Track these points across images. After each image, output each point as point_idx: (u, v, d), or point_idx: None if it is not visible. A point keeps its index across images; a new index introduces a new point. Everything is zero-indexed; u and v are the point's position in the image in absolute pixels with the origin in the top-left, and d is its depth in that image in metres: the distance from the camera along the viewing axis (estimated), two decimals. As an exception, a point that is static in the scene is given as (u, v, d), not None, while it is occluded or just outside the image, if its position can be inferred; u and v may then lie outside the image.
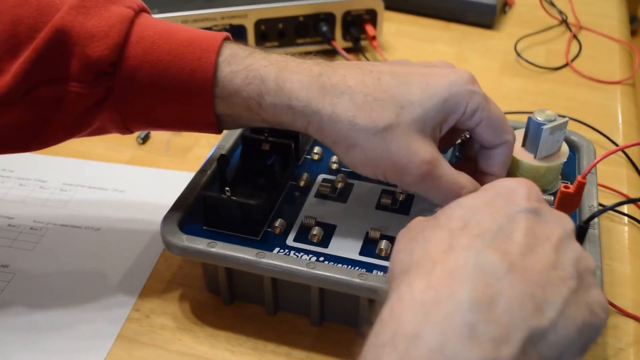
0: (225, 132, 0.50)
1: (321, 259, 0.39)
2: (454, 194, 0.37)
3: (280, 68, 0.38)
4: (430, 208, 0.37)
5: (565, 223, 0.30)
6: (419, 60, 0.41)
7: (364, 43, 0.73)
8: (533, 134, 0.43)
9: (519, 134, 0.45)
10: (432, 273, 0.27)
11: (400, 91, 0.37)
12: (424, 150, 0.37)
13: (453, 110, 0.37)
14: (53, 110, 0.38)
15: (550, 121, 0.42)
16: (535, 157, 0.43)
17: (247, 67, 0.38)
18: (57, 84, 0.37)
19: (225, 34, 0.39)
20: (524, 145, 0.44)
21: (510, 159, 0.41)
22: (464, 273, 0.26)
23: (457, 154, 0.47)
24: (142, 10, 0.39)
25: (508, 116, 0.62)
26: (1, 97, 0.36)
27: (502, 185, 0.31)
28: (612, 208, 0.36)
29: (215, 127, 0.40)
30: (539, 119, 0.43)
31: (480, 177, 0.40)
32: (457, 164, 0.42)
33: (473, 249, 0.27)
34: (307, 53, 0.73)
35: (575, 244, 0.30)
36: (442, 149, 0.42)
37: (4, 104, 0.36)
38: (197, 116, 0.39)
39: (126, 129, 0.40)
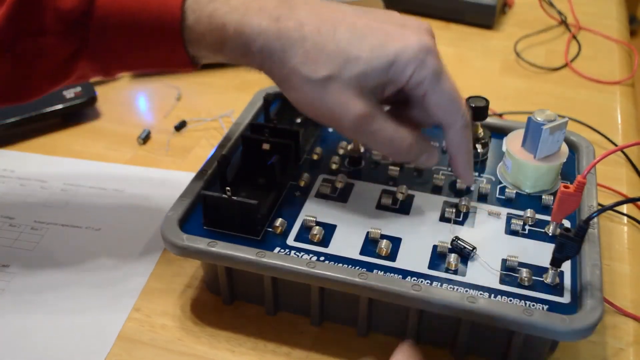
0: (225, 131, 0.50)
1: (321, 258, 0.39)
2: (395, 147, 0.40)
3: (241, 14, 0.38)
4: None
5: None
6: (405, 17, 0.42)
7: (363, 43, 0.73)
8: (533, 134, 0.43)
9: (519, 134, 0.45)
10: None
11: (351, 45, 0.38)
12: (358, 105, 0.38)
13: (396, 77, 0.38)
14: (34, 61, 0.39)
15: (550, 121, 0.42)
16: (535, 157, 0.43)
17: (210, 13, 0.38)
18: (34, 35, 0.38)
19: None
20: (523, 145, 0.44)
21: (467, 144, 0.41)
22: None
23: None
24: None
25: (508, 116, 0.63)
26: None
27: None
28: (612, 208, 0.36)
29: (191, 65, 0.41)
30: (539, 119, 0.43)
31: (451, 162, 0.43)
32: None
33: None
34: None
35: None
36: (387, 102, 0.42)
37: None
38: (170, 58, 0.41)
39: (106, 74, 0.42)
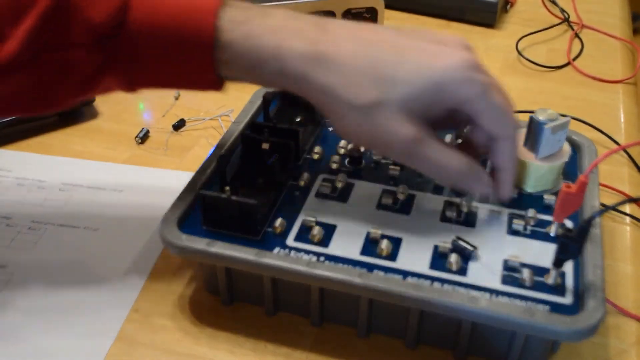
0: (225, 131, 0.50)
1: (321, 258, 0.39)
2: (447, 171, 0.38)
3: (277, 37, 0.37)
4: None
5: None
6: (439, 34, 0.40)
7: (364, 42, 0.73)
8: (535, 134, 0.43)
9: (521, 134, 0.44)
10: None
11: (393, 68, 0.37)
12: (407, 129, 0.37)
13: (445, 97, 0.37)
14: (59, 75, 0.38)
15: (552, 120, 0.42)
16: (537, 156, 0.43)
17: (246, 34, 0.37)
18: (61, 49, 0.37)
19: None
20: (525, 144, 0.44)
21: (516, 154, 0.40)
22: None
23: (458, 140, 0.47)
24: None
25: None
26: (7, 62, 0.36)
27: None
28: (614, 207, 0.35)
29: (220, 86, 0.40)
30: (541, 118, 0.42)
31: (495, 175, 0.41)
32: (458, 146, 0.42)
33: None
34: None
35: None
36: (441, 127, 0.41)
37: (10, 70, 0.36)
38: (200, 77, 0.39)
39: (131, 89, 0.41)
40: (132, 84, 0.40)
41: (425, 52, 0.37)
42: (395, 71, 0.37)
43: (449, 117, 0.39)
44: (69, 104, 0.41)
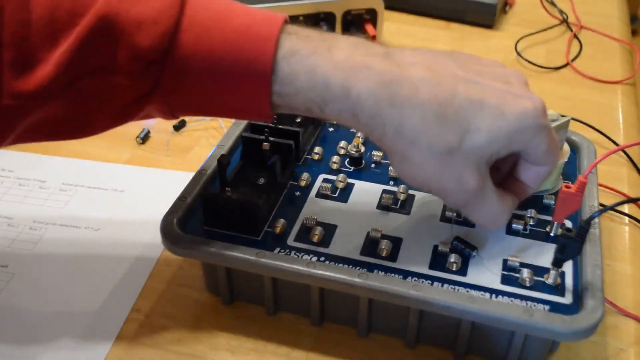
0: (225, 131, 0.50)
1: (322, 259, 0.39)
2: (497, 221, 0.38)
3: (346, 73, 0.34)
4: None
5: None
6: (492, 58, 0.39)
7: (364, 43, 0.73)
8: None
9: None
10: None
11: (471, 115, 0.34)
12: (475, 180, 0.35)
13: (517, 145, 0.36)
14: (97, 102, 0.35)
15: (553, 121, 0.42)
16: None
17: (310, 69, 0.34)
18: (102, 75, 0.34)
19: (283, 16, 0.36)
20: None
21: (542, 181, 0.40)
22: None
23: None
24: None
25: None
26: (41, 89, 0.33)
27: None
28: (613, 208, 0.36)
29: (270, 117, 0.37)
30: (540, 118, 0.42)
31: (512, 183, 0.39)
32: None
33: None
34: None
35: None
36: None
37: (44, 96, 0.33)
38: (250, 108, 0.36)
39: (172, 116, 0.38)
40: (174, 112, 0.37)
41: (501, 97, 0.35)
42: (472, 118, 0.34)
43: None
44: (104, 130, 0.38)
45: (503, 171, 0.40)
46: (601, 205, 0.43)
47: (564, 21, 0.81)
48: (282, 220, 0.41)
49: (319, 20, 0.70)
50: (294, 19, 0.69)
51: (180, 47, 0.34)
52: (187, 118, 0.62)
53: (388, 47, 0.37)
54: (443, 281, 0.38)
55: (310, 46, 0.35)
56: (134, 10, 0.33)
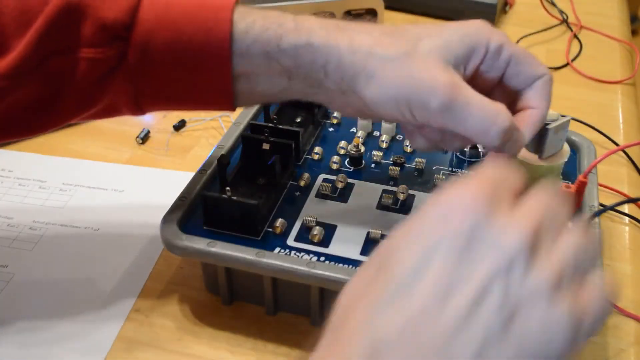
0: (225, 131, 0.50)
1: (322, 258, 0.39)
2: (489, 121, 0.34)
3: (297, 17, 0.37)
4: None
5: (507, 247, 0.24)
6: None
7: (364, 42, 0.73)
8: (537, 134, 0.43)
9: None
10: (337, 338, 0.25)
11: (418, 30, 0.37)
12: (446, 74, 0.35)
13: (474, 45, 0.37)
14: (63, 82, 0.37)
15: (553, 120, 0.42)
16: (541, 156, 0.43)
17: (264, 16, 0.37)
18: (69, 53, 0.36)
19: None
20: (527, 145, 0.44)
21: (551, 93, 0.38)
22: (359, 338, 0.24)
23: (458, 154, 0.47)
24: None
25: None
26: (13, 69, 0.35)
27: (443, 199, 0.26)
28: (613, 208, 0.36)
29: (230, 95, 0.38)
30: (541, 118, 0.42)
31: (522, 114, 0.38)
32: None
33: (372, 306, 0.25)
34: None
35: (515, 276, 0.24)
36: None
37: (15, 77, 0.35)
38: (213, 81, 0.38)
39: (138, 106, 0.39)
40: (139, 98, 0.38)
41: (440, 24, 0.38)
42: (421, 30, 0.37)
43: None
44: (69, 118, 0.39)
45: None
46: (601, 205, 0.43)
47: (564, 21, 0.81)
48: (282, 220, 0.41)
49: (319, 20, 0.70)
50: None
51: (142, 22, 0.36)
52: (187, 118, 0.62)
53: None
54: (443, 281, 0.38)
55: (264, 10, 0.38)
56: None
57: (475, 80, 0.37)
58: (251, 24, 0.37)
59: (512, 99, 0.38)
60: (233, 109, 0.39)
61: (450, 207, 0.25)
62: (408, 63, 0.35)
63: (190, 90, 0.39)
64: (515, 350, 0.23)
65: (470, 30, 0.37)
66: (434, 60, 0.35)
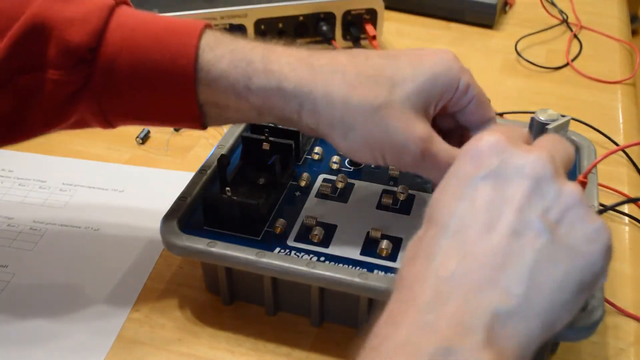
0: (225, 131, 0.50)
1: (322, 258, 0.39)
2: None
3: (266, 50, 0.37)
4: None
5: (533, 167, 0.28)
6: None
7: (364, 43, 0.73)
8: (537, 134, 0.43)
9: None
10: (400, 288, 0.28)
11: (391, 69, 0.37)
12: (420, 127, 0.36)
13: (446, 87, 0.37)
14: (31, 99, 0.37)
15: (553, 120, 0.42)
16: None
17: (232, 50, 0.37)
18: (35, 71, 0.36)
19: (207, 22, 0.38)
20: (525, 145, 0.44)
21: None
22: (422, 280, 0.27)
23: None
24: (123, 2, 0.39)
25: (509, 116, 0.63)
26: None
27: (465, 152, 0.30)
28: (613, 208, 0.36)
29: (199, 118, 0.38)
30: (542, 118, 0.42)
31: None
32: None
33: (429, 255, 0.28)
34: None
35: (548, 187, 0.28)
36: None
37: None
38: (179, 105, 0.38)
39: (107, 122, 0.39)
40: (108, 116, 0.38)
41: (413, 54, 0.38)
42: (393, 72, 0.37)
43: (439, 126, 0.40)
44: (37, 133, 0.39)
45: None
46: (601, 205, 0.43)
47: (564, 21, 0.81)
48: (282, 220, 0.41)
49: (319, 20, 0.70)
50: (294, 19, 0.69)
51: (108, 45, 0.36)
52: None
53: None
54: (443, 281, 0.38)
55: (232, 38, 0.38)
56: (66, 11, 0.36)
57: (438, 114, 0.39)
58: (219, 57, 0.36)
59: (455, 127, 0.40)
60: (204, 128, 0.39)
61: (474, 152, 0.29)
62: (384, 116, 0.36)
63: (157, 111, 0.39)
64: (566, 262, 0.26)
65: (442, 70, 0.37)
66: (408, 111, 0.36)
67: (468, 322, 0.25)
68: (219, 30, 0.39)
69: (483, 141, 0.29)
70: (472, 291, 0.26)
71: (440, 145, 0.37)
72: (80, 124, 0.40)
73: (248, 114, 0.38)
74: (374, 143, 0.37)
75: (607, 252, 0.28)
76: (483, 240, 0.27)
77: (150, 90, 0.37)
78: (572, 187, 0.28)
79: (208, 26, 0.38)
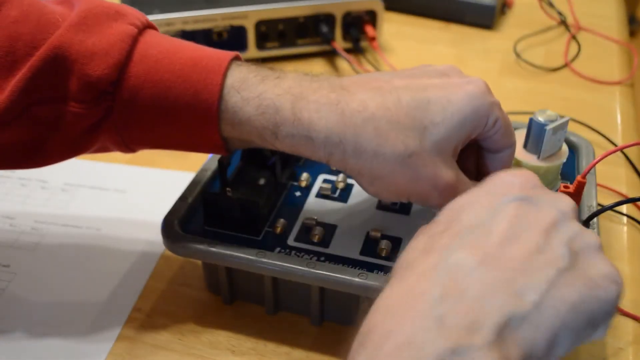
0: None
1: (322, 258, 0.40)
2: None
3: (295, 97, 0.35)
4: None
5: (561, 204, 0.29)
6: (424, 64, 0.40)
7: (364, 44, 0.73)
8: (535, 135, 0.43)
9: (520, 135, 0.45)
10: (407, 277, 0.27)
11: (422, 112, 0.35)
12: (448, 173, 0.36)
13: (476, 126, 0.36)
14: (50, 130, 0.36)
15: (552, 121, 0.42)
16: (538, 157, 0.43)
17: (260, 95, 0.35)
18: (55, 103, 0.36)
19: (234, 53, 0.37)
20: (525, 146, 0.44)
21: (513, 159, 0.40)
22: (435, 273, 0.26)
23: None
24: (148, 27, 0.38)
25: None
26: None
27: (497, 179, 0.31)
28: (611, 208, 0.36)
29: (223, 149, 0.38)
30: (541, 119, 0.43)
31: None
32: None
33: (447, 248, 0.27)
34: (307, 54, 0.73)
35: (574, 224, 0.29)
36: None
37: (0, 121, 0.35)
38: (201, 139, 0.37)
39: (128, 149, 0.39)
40: (129, 144, 0.38)
41: (442, 88, 0.36)
42: (426, 114, 0.35)
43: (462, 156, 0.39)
44: (59, 160, 0.39)
45: (471, 170, 0.40)
46: (600, 205, 0.43)
47: (563, 22, 0.81)
48: (282, 221, 0.42)
49: (319, 21, 0.70)
50: (294, 20, 0.70)
51: (130, 78, 0.35)
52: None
53: (332, 76, 0.38)
54: (442, 281, 0.38)
55: (260, 75, 0.36)
56: (88, 42, 0.35)
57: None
58: (245, 101, 0.35)
59: (475, 150, 0.40)
60: (228, 154, 0.39)
61: (509, 178, 0.30)
62: (414, 165, 0.35)
63: (179, 142, 0.39)
64: (583, 289, 0.27)
65: (472, 110, 0.36)
66: (437, 157, 0.35)
67: (480, 321, 0.24)
68: (247, 65, 0.37)
69: (522, 175, 0.31)
70: (488, 291, 0.25)
71: (466, 185, 0.37)
72: (101, 150, 0.39)
73: (275, 147, 0.37)
74: (401, 190, 0.36)
75: (620, 297, 0.28)
76: (506, 248, 0.27)
77: (172, 124, 0.37)
78: (593, 232, 0.29)
79: (236, 58, 0.37)
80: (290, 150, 0.36)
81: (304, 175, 0.46)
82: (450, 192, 0.36)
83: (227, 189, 0.41)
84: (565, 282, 0.26)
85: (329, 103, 0.35)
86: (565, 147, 0.45)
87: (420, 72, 0.38)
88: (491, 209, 0.29)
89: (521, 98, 0.68)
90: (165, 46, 0.37)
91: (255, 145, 0.38)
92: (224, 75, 0.36)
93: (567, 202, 0.30)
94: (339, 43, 0.72)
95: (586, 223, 0.40)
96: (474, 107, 0.36)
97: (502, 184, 0.30)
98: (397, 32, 0.80)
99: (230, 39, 0.68)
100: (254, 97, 0.35)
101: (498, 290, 0.25)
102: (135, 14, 0.37)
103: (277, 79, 0.36)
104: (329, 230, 0.42)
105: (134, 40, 0.36)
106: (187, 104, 0.36)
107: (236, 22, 0.68)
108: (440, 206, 0.36)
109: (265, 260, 0.39)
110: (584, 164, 0.47)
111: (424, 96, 0.36)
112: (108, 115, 0.36)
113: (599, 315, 0.27)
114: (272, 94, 0.35)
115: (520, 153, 0.44)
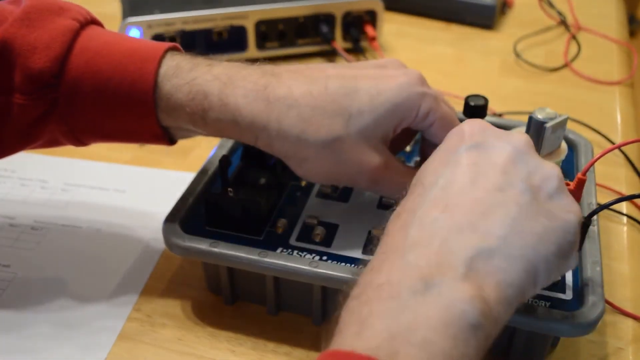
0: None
1: (324, 258, 0.40)
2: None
3: (223, 82, 0.37)
4: None
5: (515, 140, 0.31)
6: (374, 60, 0.41)
7: (364, 44, 0.73)
8: (535, 133, 0.43)
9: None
10: (382, 243, 0.30)
11: (349, 100, 0.37)
12: (373, 158, 0.37)
13: (405, 115, 0.37)
14: (1, 120, 0.37)
15: (551, 119, 0.42)
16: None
17: (190, 81, 0.37)
18: (2, 94, 0.37)
19: (171, 44, 0.39)
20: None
21: None
22: (404, 230, 0.29)
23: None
24: (92, 22, 0.39)
25: (507, 116, 0.63)
26: None
27: (448, 135, 0.33)
28: (612, 204, 0.36)
29: (164, 138, 0.39)
30: (540, 117, 0.43)
31: None
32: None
33: (412, 210, 0.30)
34: (307, 54, 0.73)
35: (530, 158, 0.31)
36: (398, 149, 0.43)
37: None
38: (142, 128, 0.39)
39: (78, 141, 0.40)
40: (76, 135, 0.39)
41: (374, 78, 0.38)
42: (353, 102, 0.37)
43: (404, 137, 0.41)
44: (10, 152, 0.40)
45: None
46: (599, 204, 0.43)
47: (563, 22, 0.82)
48: (283, 220, 0.42)
49: (319, 21, 0.70)
50: (294, 20, 0.70)
51: (71, 70, 0.37)
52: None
53: (267, 64, 0.39)
54: (443, 280, 0.38)
55: (192, 63, 0.37)
56: (30, 37, 0.36)
57: (401, 134, 0.39)
58: (177, 87, 0.37)
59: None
60: (172, 144, 0.40)
61: (460, 131, 0.32)
62: (338, 149, 0.37)
63: (122, 132, 0.39)
64: (545, 221, 0.29)
65: (401, 99, 0.37)
66: (362, 143, 0.37)
67: (448, 259, 0.27)
68: (182, 54, 0.38)
69: (468, 123, 0.33)
70: (453, 233, 0.27)
71: (394, 171, 0.38)
72: (53, 143, 0.40)
73: (209, 134, 0.39)
74: (328, 172, 0.38)
75: (579, 226, 0.30)
76: (467, 193, 0.29)
77: (113, 113, 0.38)
78: (551, 164, 0.31)
79: (173, 49, 0.38)
80: (219, 134, 0.38)
81: (305, 175, 0.46)
82: (379, 176, 0.38)
83: (229, 189, 0.41)
84: (528, 215, 0.28)
85: (256, 89, 0.37)
86: (564, 145, 0.45)
87: (360, 64, 0.40)
88: (447, 163, 0.31)
89: (521, 98, 0.68)
90: (105, 39, 0.38)
91: (192, 132, 0.39)
92: (159, 64, 0.37)
93: (520, 138, 0.31)
94: (339, 43, 0.72)
95: (587, 221, 0.40)
96: (402, 97, 0.37)
97: (453, 138, 0.32)
98: (397, 32, 0.80)
99: (230, 39, 0.68)
100: (185, 84, 0.37)
101: (463, 231, 0.27)
102: (78, 10, 0.39)
103: (208, 66, 0.38)
104: (331, 229, 0.42)
105: (76, 34, 0.37)
106: (125, 94, 0.37)
107: (236, 22, 0.68)
108: (370, 189, 0.40)
109: (268, 260, 0.38)
110: (583, 162, 0.47)
111: (352, 85, 0.37)
112: (54, 107, 0.37)
113: (565, 245, 0.29)
114: (202, 80, 0.37)
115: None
